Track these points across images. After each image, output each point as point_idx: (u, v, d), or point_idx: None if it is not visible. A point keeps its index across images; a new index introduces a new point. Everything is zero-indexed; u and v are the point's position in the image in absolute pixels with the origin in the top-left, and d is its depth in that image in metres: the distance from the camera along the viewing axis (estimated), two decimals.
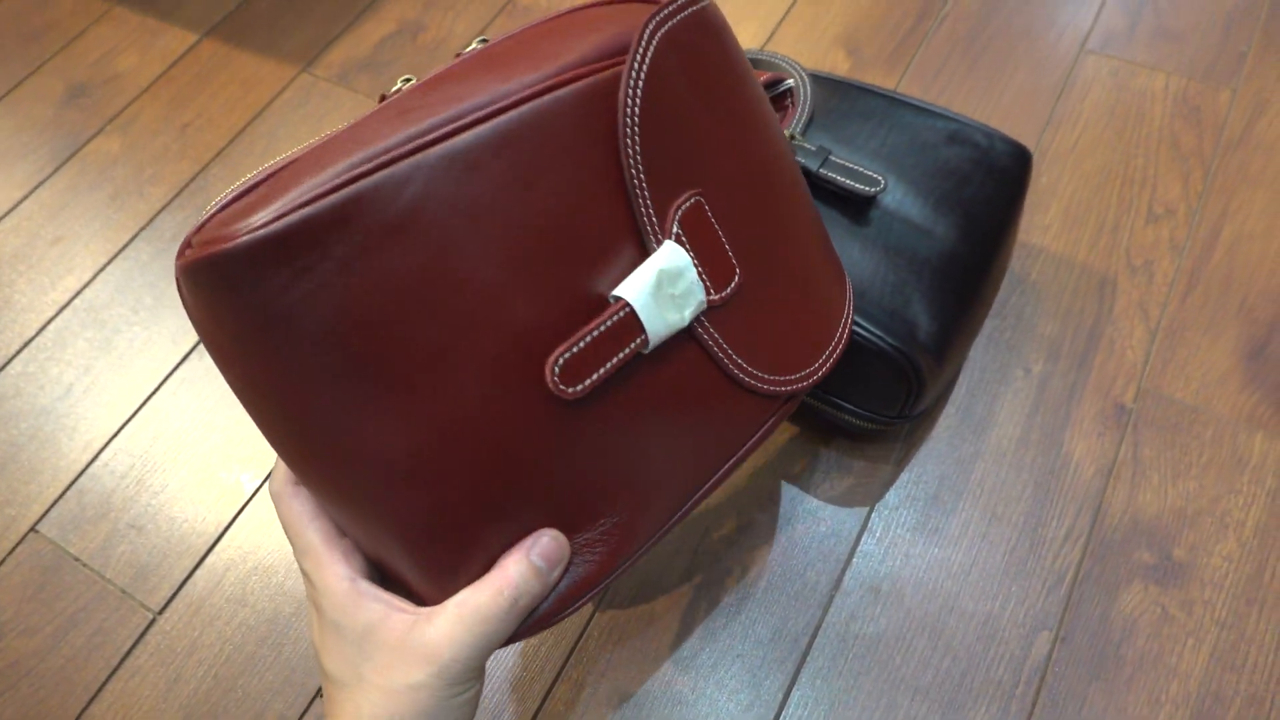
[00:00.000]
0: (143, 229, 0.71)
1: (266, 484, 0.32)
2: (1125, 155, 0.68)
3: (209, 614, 0.55)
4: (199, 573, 0.56)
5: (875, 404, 0.53)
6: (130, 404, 0.63)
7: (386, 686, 0.32)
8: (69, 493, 0.60)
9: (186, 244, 0.30)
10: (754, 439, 0.40)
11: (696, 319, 0.34)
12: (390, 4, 0.84)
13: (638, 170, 0.32)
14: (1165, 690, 0.49)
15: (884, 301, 0.50)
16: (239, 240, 0.27)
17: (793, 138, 0.53)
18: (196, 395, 0.63)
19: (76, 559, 0.57)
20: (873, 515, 0.55)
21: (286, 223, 0.28)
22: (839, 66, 0.75)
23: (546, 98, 0.31)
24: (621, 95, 0.32)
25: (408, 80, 0.34)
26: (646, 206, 0.33)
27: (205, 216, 0.30)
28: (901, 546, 0.54)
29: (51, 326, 0.67)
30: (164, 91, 0.79)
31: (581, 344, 0.31)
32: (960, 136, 0.55)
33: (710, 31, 0.36)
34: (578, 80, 0.31)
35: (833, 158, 0.52)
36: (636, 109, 0.32)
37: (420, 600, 0.34)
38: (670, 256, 0.33)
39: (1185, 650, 0.50)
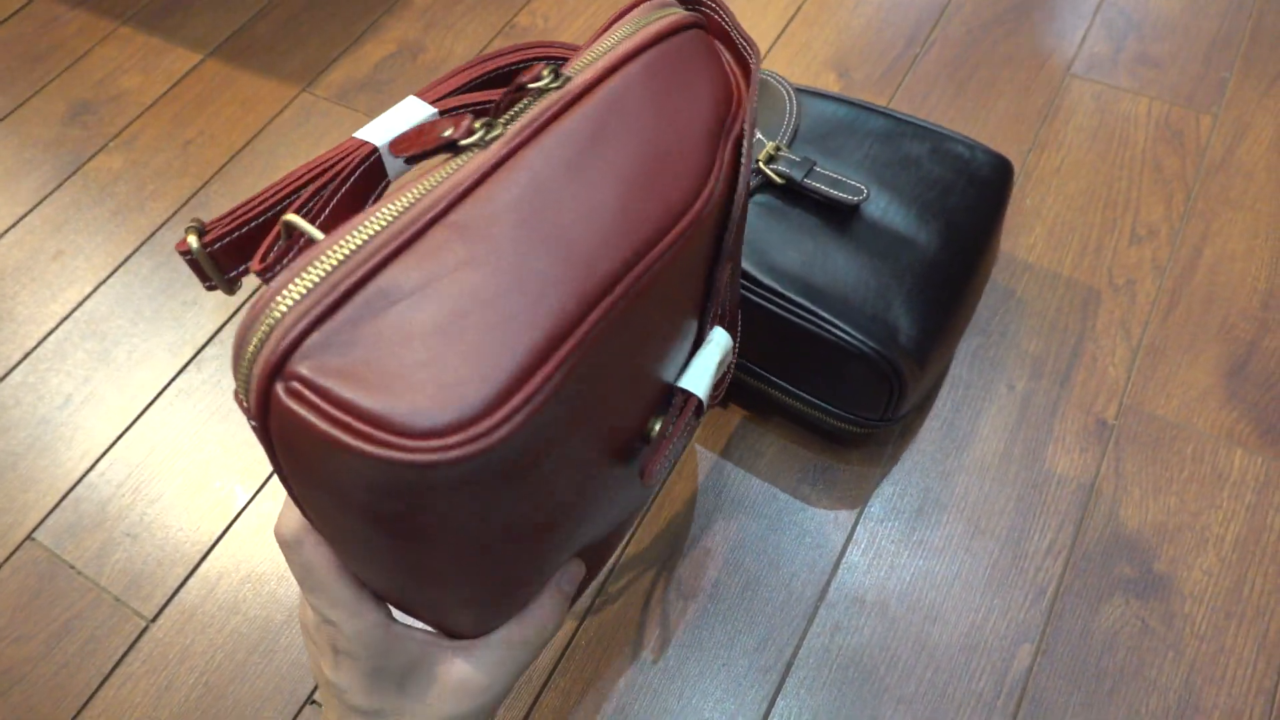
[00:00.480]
0: (143, 243, 0.72)
1: (276, 524, 0.31)
2: (1109, 178, 0.69)
3: (201, 622, 0.55)
4: (192, 581, 0.57)
5: (859, 407, 0.54)
6: (128, 415, 0.64)
7: (430, 716, 0.33)
8: (65, 501, 0.60)
9: (275, 370, 0.24)
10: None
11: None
12: (390, 25, 0.85)
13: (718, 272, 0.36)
14: (1145, 703, 0.50)
15: (866, 307, 0.51)
16: (426, 457, 0.23)
17: (778, 148, 0.55)
18: (193, 407, 0.64)
19: (71, 566, 0.58)
20: (858, 527, 0.56)
21: (514, 429, 0.24)
22: (829, 88, 0.76)
23: (680, 233, 0.30)
24: (734, 211, 0.35)
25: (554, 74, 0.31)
26: (718, 300, 0.37)
27: (292, 334, 0.23)
28: (886, 558, 0.55)
29: (52, 338, 0.68)
30: (167, 110, 0.81)
31: (652, 433, 0.35)
32: (943, 148, 0.57)
33: None
34: (705, 203, 0.31)
35: (817, 168, 0.54)
36: (737, 217, 0.35)
37: (450, 634, 0.35)
38: (722, 341, 0.38)
39: (1165, 663, 0.51)
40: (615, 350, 0.28)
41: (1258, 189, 0.68)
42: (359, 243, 0.25)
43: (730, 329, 0.42)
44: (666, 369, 0.35)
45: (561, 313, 0.25)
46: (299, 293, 0.24)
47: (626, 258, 0.27)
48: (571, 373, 0.26)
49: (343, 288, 0.24)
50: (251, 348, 0.24)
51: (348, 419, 0.23)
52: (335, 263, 0.24)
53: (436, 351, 0.24)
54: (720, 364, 0.38)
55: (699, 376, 0.36)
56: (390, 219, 0.25)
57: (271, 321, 0.23)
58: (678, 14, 0.34)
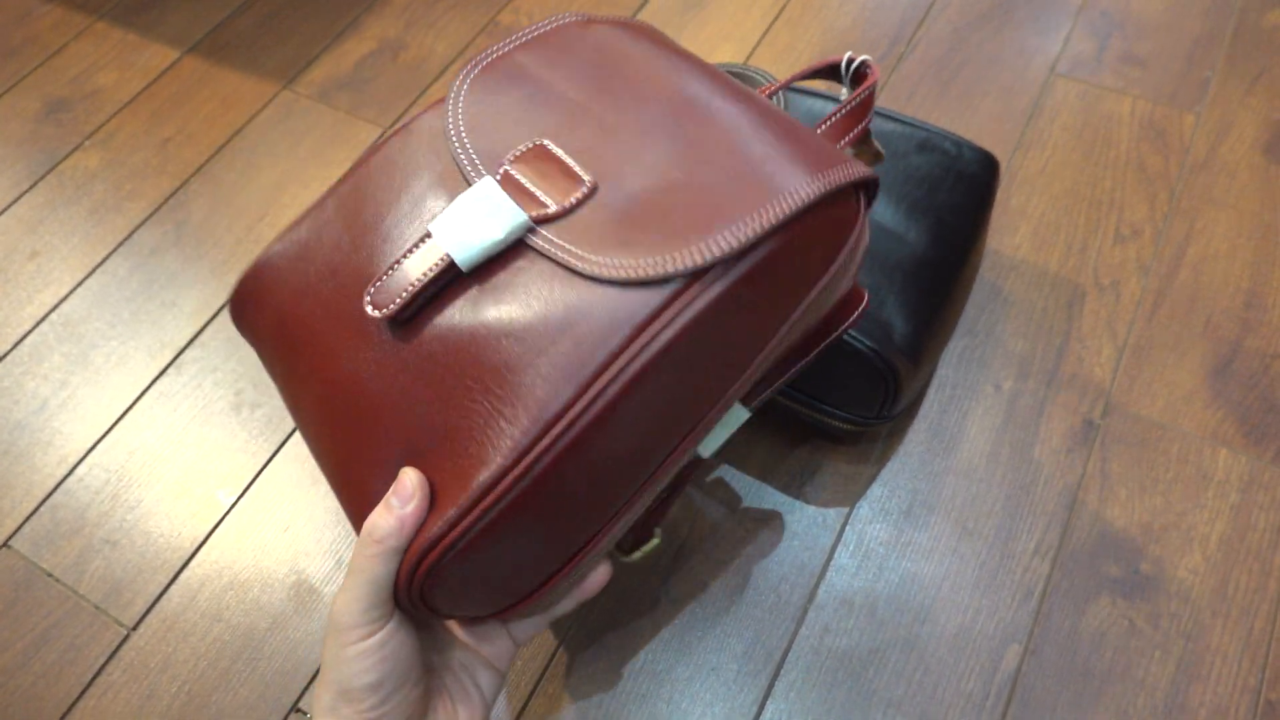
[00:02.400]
0: (121, 244, 0.71)
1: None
2: (1093, 177, 0.70)
3: (183, 630, 0.55)
4: (173, 588, 0.56)
5: (854, 405, 0.54)
6: (106, 419, 0.63)
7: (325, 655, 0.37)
8: (43, 508, 0.59)
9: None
10: (634, 340, 0.34)
11: (528, 231, 0.36)
12: (371, 23, 0.84)
13: (466, 150, 0.40)
14: (1133, 702, 0.50)
15: None
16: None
17: None
18: (172, 410, 0.63)
19: (49, 574, 0.57)
20: (847, 528, 0.56)
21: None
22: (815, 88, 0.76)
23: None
24: (449, 113, 0.41)
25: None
26: (474, 164, 0.39)
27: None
28: (875, 560, 0.55)
29: (28, 341, 0.67)
30: (144, 107, 0.79)
31: (390, 273, 0.36)
32: (929, 144, 0.57)
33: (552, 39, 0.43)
34: None
35: None
36: (461, 119, 0.41)
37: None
38: (479, 190, 0.37)
39: (1152, 662, 0.51)
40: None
41: (1240, 188, 0.68)
42: None
43: (551, 194, 0.40)
44: (412, 217, 0.40)
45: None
46: None
47: None
48: None
49: None
50: None
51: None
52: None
53: None
54: (480, 201, 0.38)
55: (443, 217, 0.37)
56: None
57: None
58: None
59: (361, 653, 0.35)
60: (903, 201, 0.54)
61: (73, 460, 0.61)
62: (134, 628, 0.55)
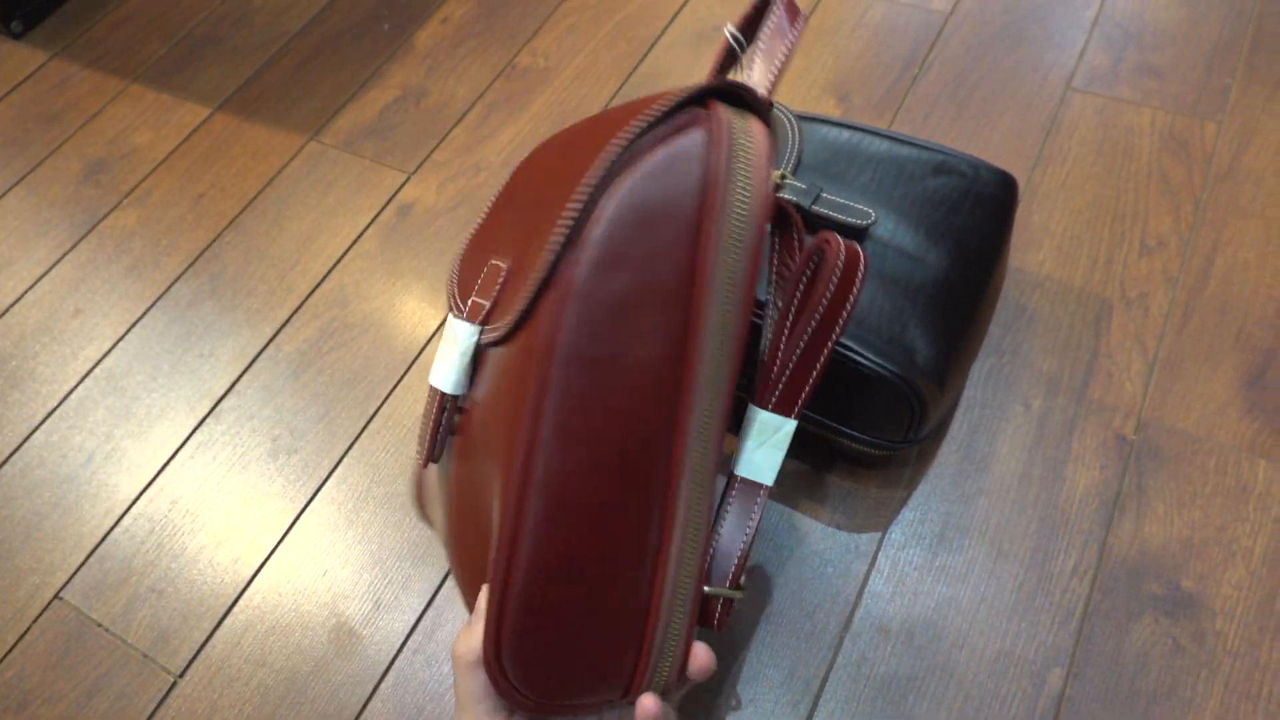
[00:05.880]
0: (159, 298, 0.73)
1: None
2: (1115, 190, 0.69)
3: (228, 676, 0.56)
4: (218, 634, 0.57)
5: (881, 430, 0.54)
6: (150, 470, 0.64)
7: None
8: (91, 559, 0.61)
9: None
10: (537, 368, 0.37)
11: (478, 343, 0.42)
12: (394, 71, 0.87)
13: (455, 298, 0.45)
14: None
15: (882, 330, 0.51)
16: None
17: (784, 177, 0.55)
18: (212, 459, 0.64)
19: (99, 625, 0.58)
20: (880, 554, 0.56)
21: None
22: (830, 114, 0.77)
23: None
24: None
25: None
26: (457, 307, 0.44)
27: None
28: (910, 585, 0.54)
29: (73, 396, 0.69)
30: (178, 165, 0.82)
31: (428, 434, 0.45)
32: (946, 167, 0.57)
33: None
34: None
35: (824, 194, 0.54)
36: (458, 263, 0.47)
37: None
38: (450, 330, 0.43)
39: (1199, 682, 0.50)
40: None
41: (1267, 195, 0.67)
42: None
43: (485, 294, 0.43)
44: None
45: None
46: None
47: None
48: None
49: None
50: None
51: None
52: None
53: None
54: (453, 341, 0.43)
55: (435, 365, 0.44)
56: None
57: None
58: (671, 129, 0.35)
59: None
60: (921, 225, 0.54)
61: (119, 512, 0.63)
62: (181, 675, 0.56)
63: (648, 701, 0.39)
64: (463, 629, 0.40)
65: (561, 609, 0.36)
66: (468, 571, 0.44)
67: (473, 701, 0.39)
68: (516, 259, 0.40)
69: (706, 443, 0.37)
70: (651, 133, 0.34)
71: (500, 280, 0.41)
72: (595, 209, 0.34)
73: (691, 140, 0.34)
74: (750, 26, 0.46)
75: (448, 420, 0.44)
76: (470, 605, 0.43)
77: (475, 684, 0.38)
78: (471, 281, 0.44)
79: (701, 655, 0.40)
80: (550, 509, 0.35)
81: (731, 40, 0.46)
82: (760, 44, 0.43)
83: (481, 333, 0.42)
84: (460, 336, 0.42)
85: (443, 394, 0.43)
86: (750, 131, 0.35)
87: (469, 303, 0.43)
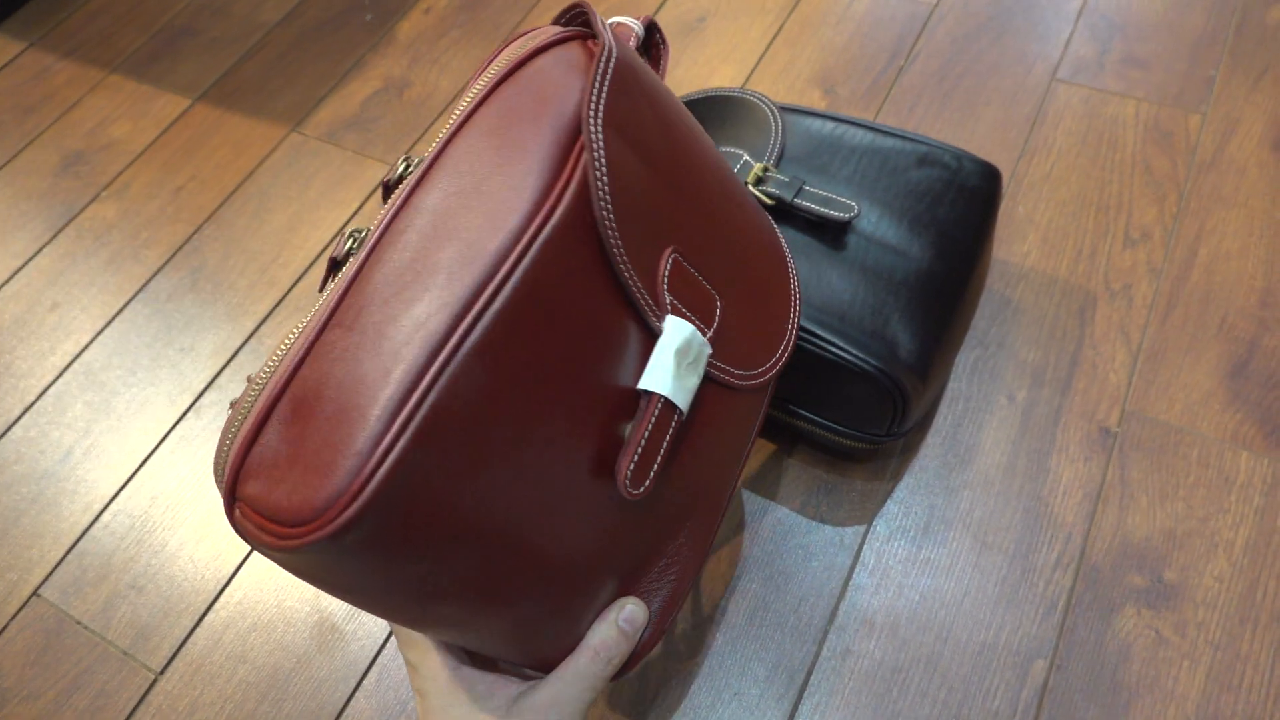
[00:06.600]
0: (139, 291, 0.73)
1: None
2: (1100, 182, 0.69)
3: (209, 672, 0.55)
4: (199, 631, 0.57)
5: (863, 424, 0.54)
6: (129, 465, 0.64)
7: None
8: (70, 556, 0.60)
9: (230, 496, 0.29)
10: (756, 426, 0.45)
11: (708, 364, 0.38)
12: (376, 62, 0.86)
13: (628, 269, 0.34)
14: (1164, 714, 0.49)
15: (864, 323, 0.51)
16: (328, 529, 0.27)
17: (766, 169, 0.55)
18: (193, 454, 0.64)
19: (78, 622, 0.58)
20: (864, 547, 0.56)
21: (365, 504, 0.27)
22: (815, 106, 0.76)
23: (527, 259, 0.30)
24: (596, 211, 0.32)
25: (406, 163, 0.34)
26: (642, 295, 0.34)
27: (233, 456, 0.29)
28: (894, 578, 0.54)
29: (51, 391, 0.68)
30: (157, 157, 0.81)
31: (640, 450, 0.34)
32: (929, 159, 0.57)
33: (633, 87, 0.36)
34: (546, 220, 0.31)
35: (807, 187, 0.53)
36: (610, 215, 0.33)
37: (528, 664, 0.39)
38: (677, 332, 0.35)
39: (1181, 673, 0.50)
40: (500, 381, 0.30)
41: (1250, 186, 0.68)
42: (273, 364, 0.30)
43: (703, 319, 0.38)
44: (615, 374, 0.34)
45: (404, 382, 0.28)
46: (236, 423, 0.30)
47: (456, 311, 0.29)
48: (425, 430, 0.28)
49: (261, 408, 0.29)
50: (218, 478, 0.30)
51: (268, 524, 0.28)
52: (257, 389, 0.30)
53: (304, 447, 0.28)
54: (685, 352, 0.35)
55: (660, 373, 0.35)
56: (293, 338, 0.31)
57: (222, 454, 0.30)
58: (541, 39, 0.35)
59: None
60: (904, 217, 0.54)
61: (98, 507, 0.62)
62: (161, 672, 0.56)
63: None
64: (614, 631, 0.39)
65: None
66: (568, 611, 0.38)
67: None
68: (723, 289, 0.39)
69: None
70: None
71: (718, 316, 0.38)
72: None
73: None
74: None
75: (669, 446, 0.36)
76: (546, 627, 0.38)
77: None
78: (654, 270, 0.35)
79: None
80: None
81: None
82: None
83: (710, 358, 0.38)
84: (702, 359, 0.37)
85: (678, 410, 0.35)
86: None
87: (679, 310, 0.36)
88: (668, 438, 0.35)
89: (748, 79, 0.79)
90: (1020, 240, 0.67)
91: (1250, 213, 0.66)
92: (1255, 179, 0.68)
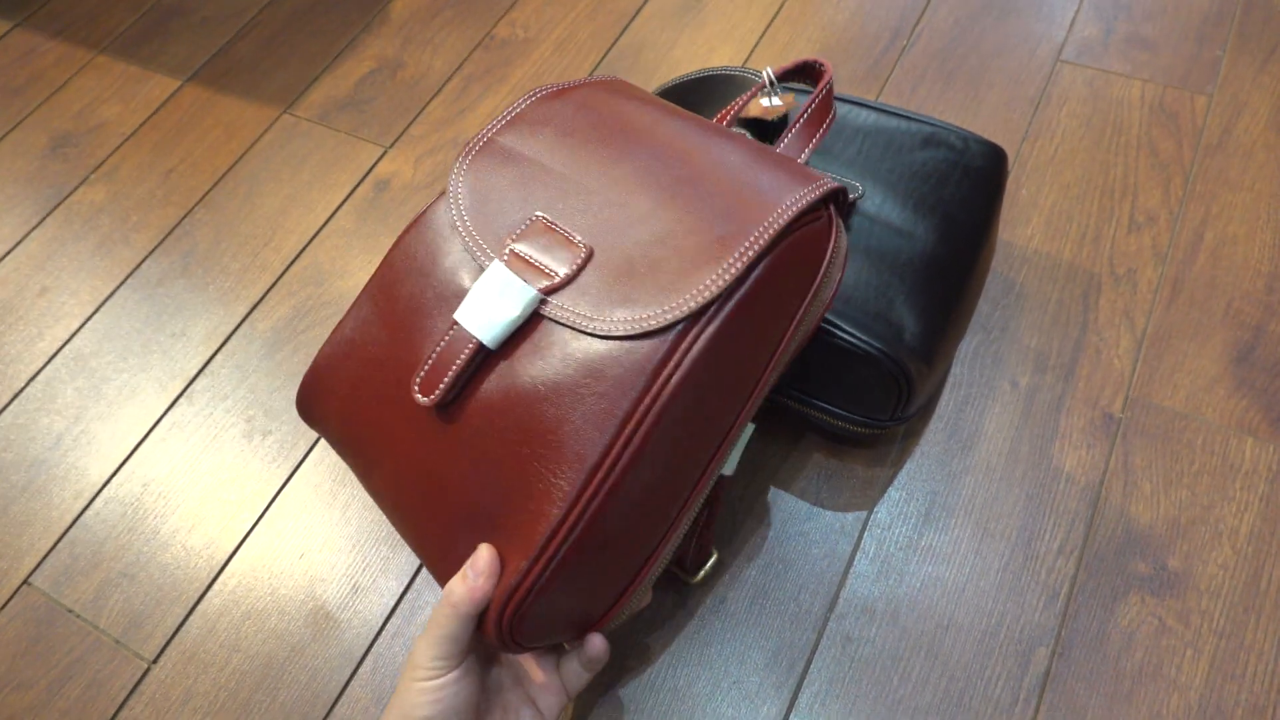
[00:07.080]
0: (129, 276, 0.72)
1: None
2: (1104, 164, 0.68)
3: (203, 661, 0.55)
4: (192, 619, 0.56)
5: (867, 409, 0.53)
6: (120, 452, 0.63)
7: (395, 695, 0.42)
8: (61, 544, 0.60)
9: None
10: (652, 385, 0.38)
11: (540, 303, 0.40)
12: (369, 42, 0.84)
13: (472, 237, 0.43)
14: (1166, 702, 0.49)
15: (868, 306, 0.50)
16: None
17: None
18: (185, 441, 0.63)
19: (70, 610, 0.57)
20: (865, 534, 0.55)
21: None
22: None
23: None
24: (451, 204, 0.45)
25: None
26: (481, 249, 0.42)
27: None
28: (895, 565, 0.54)
29: (41, 377, 0.67)
30: (147, 139, 0.80)
31: (430, 362, 0.41)
32: (935, 139, 0.56)
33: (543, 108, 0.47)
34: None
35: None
36: (463, 208, 0.44)
37: None
38: (491, 274, 0.41)
39: (1184, 661, 0.50)
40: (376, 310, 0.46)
41: (1257, 169, 0.67)
42: None
43: (557, 266, 0.43)
44: (443, 309, 0.43)
45: None
46: None
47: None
48: None
49: None
50: None
51: None
52: None
53: None
54: (498, 291, 0.40)
55: (466, 306, 0.41)
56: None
57: None
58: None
59: (425, 690, 0.41)
60: (909, 199, 0.53)
61: (89, 495, 0.61)
62: (154, 661, 0.55)
63: (599, 640, 0.44)
64: (459, 578, 0.40)
65: (578, 572, 0.39)
66: (424, 521, 0.43)
67: (436, 642, 0.41)
68: (599, 244, 0.41)
69: (730, 449, 0.43)
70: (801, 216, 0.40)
71: (580, 260, 0.41)
72: (753, 268, 0.39)
73: (824, 251, 0.43)
74: (786, 76, 0.54)
75: (471, 373, 0.41)
76: (422, 551, 0.44)
77: (454, 629, 0.40)
78: (512, 227, 0.42)
79: (597, 644, 0.44)
80: (616, 504, 0.38)
81: (769, 81, 0.53)
82: (799, 122, 0.48)
83: (545, 302, 0.40)
84: (514, 293, 0.40)
85: (479, 343, 0.40)
86: (842, 235, 0.44)
87: (519, 255, 0.41)
88: (462, 357, 0.40)
89: (748, 58, 0.78)
90: (1024, 224, 0.66)
91: (1257, 196, 0.65)
92: (1262, 162, 0.67)
